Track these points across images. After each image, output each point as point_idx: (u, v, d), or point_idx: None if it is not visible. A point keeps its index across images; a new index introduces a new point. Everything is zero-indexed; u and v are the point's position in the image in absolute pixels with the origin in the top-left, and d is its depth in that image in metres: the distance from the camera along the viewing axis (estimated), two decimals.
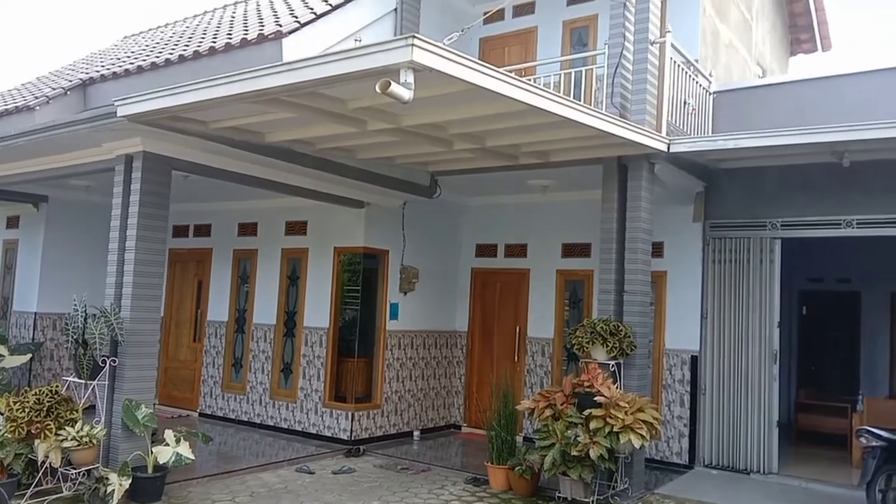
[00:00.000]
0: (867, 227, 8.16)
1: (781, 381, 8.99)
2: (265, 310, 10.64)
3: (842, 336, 12.32)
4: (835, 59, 12.91)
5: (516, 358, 10.44)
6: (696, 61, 8.94)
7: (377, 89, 4.32)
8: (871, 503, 6.59)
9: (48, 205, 11.09)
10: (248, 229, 11.04)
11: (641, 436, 6.69)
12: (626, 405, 6.83)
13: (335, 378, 9.83)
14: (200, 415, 11.06)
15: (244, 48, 8.39)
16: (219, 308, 11.23)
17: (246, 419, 10.53)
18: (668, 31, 7.92)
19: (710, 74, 9.31)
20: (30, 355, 10.38)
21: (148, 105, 5.94)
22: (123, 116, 6.16)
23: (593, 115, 6.34)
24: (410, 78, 4.38)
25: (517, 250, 10.64)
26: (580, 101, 7.89)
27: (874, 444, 6.68)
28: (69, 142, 7.36)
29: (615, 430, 6.69)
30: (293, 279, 10.45)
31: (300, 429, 9.91)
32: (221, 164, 7.62)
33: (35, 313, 11.00)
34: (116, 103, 6.19)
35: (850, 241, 9.34)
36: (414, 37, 4.27)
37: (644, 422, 6.78)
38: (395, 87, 4.29)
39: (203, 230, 11.64)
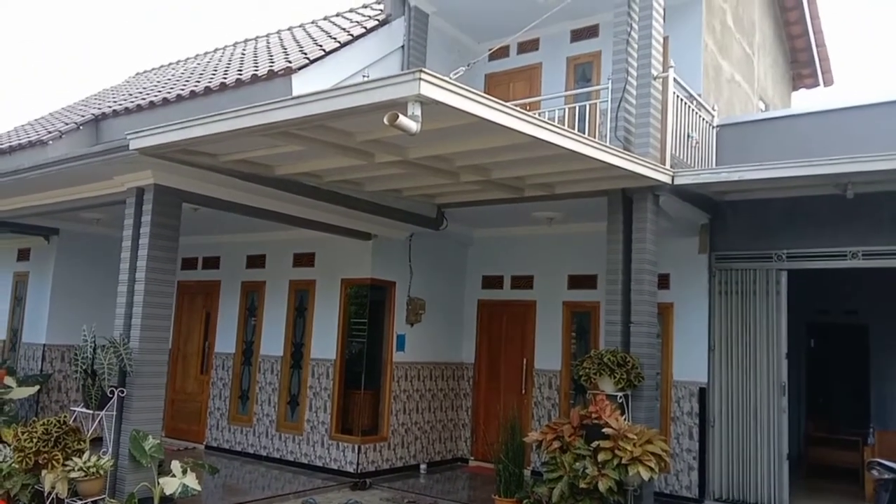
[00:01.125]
0: (873, 259, 8.17)
1: (791, 415, 8.92)
2: (272, 341, 10.67)
3: (851, 369, 12.24)
4: (837, 93, 13.04)
5: (523, 390, 10.40)
6: (699, 95, 9.06)
7: (385, 121, 4.42)
8: None
9: (59, 237, 11.21)
10: (256, 261, 11.12)
11: (650, 468, 6.64)
12: (635, 437, 6.79)
13: (342, 410, 9.81)
14: (207, 447, 11.02)
15: (254, 84, 8.56)
16: (226, 340, 11.26)
17: (252, 451, 10.48)
18: (671, 66, 8.05)
19: (714, 108, 9.42)
20: (37, 387, 10.42)
21: (159, 138, 6.06)
22: (135, 149, 6.28)
23: (598, 148, 6.43)
24: (418, 111, 4.48)
25: (523, 282, 10.67)
26: (585, 134, 8.00)
27: (886, 476, 6.60)
28: (81, 175, 7.48)
29: (624, 462, 6.65)
30: (300, 311, 10.49)
31: (306, 461, 9.86)
32: (231, 197, 7.73)
33: (44, 345, 11.05)
34: (129, 136, 6.32)
35: (856, 273, 9.37)
36: (421, 71, 4.37)
37: (653, 454, 6.74)
38: (402, 120, 4.39)
39: (212, 262, 11.73)
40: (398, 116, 4.36)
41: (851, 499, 9.08)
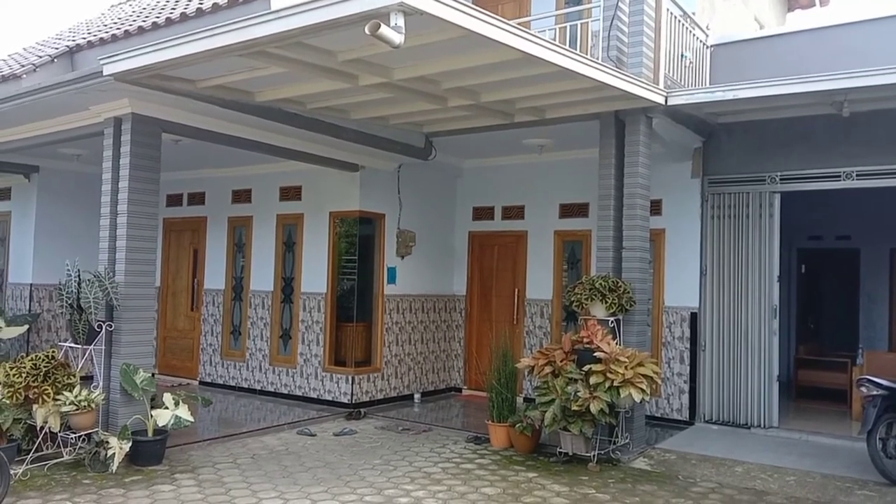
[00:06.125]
0: (867, 179, 8.07)
1: (781, 339, 8.97)
2: (262, 277, 10.58)
3: (841, 293, 12.31)
4: (832, 14, 12.71)
5: (515, 320, 10.41)
6: (693, 14, 8.78)
7: (366, 31, 4.21)
8: (871, 451, 6.59)
9: (39, 175, 10.95)
10: (242, 196, 10.94)
11: (642, 390, 6.67)
12: (626, 360, 6.80)
13: (334, 343, 9.80)
14: (201, 383, 11.05)
15: (232, 7, 8.26)
16: (215, 276, 11.17)
17: (246, 386, 10.53)
18: None
19: (707, 28, 9.16)
20: (27, 326, 10.36)
21: (134, 62, 5.81)
22: (110, 75, 6.03)
23: (590, 66, 6.22)
24: (401, 21, 4.27)
25: (514, 212, 10.56)
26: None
27: (875, 392, 6.68)
28: (57, 105, 7.24)
29: (615, 384, 6.67)
30: (289, 245, 10.37)
31: (301, 394, 9.91)
32: (212, 126, 7.52)
33: (31, 285, 10.93)
34: (102, 62, 6.06)
35: (849, 197, 9.30)
36: None
37: (644, 376, 6.76)
38: (385, 30, 4.18)
39: (197, 198, 11.54)
40: (380, 26, 4.16)
41: (840, 418, 9.23)
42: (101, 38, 10.17)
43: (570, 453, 7.04)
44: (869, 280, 11.87)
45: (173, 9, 9.95)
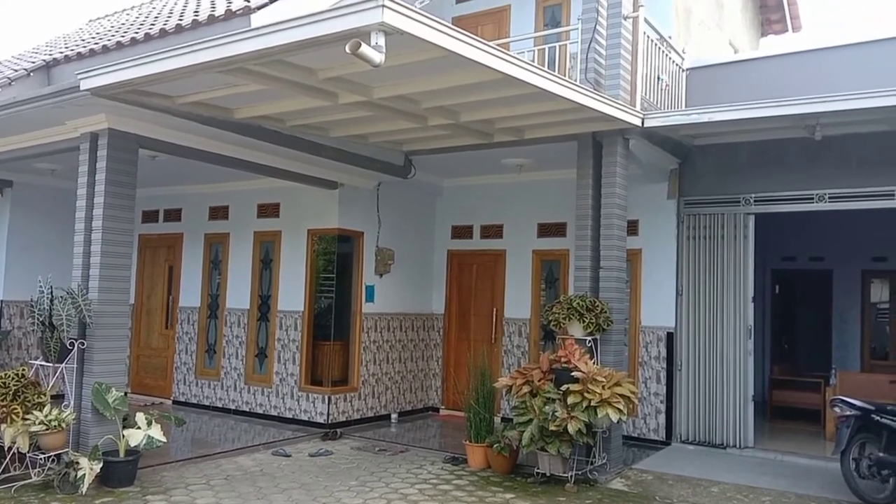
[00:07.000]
0: (839, 201, 8.22)
1: (756, 359, 9.06)
2: (238, 294, 10.48)
3: (814, 313, 12.47)
4: (805, 39, 13.00)
5: (493, 339, 10.40)
6: (670, 38, 8.93)
7: (347, 50, 4.22)
8: (845, 471, 6.65)
9: (13, 190, 10.78)
10: (219, 213, 10.86)
11: (619, 409, 6.68)
12: (604, 380, 6.82)
13: (311, 362, 9.72)
14: (174, 402, 10.88)
15: (211, 24, 8.23)
16: (191, 294, 11.04)
17: (221, 405, 10.38)
18: (641, 6, 7.88)
19: (683, 51, 9.31)
20: None
21: (112, 77, 5.77)
22: (87, 90, 5.98)
23: (568, 87, 6.28)
24: (382, 41, 4.28)
25: (493, 231, 10.59)
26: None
27: (848, 412, 6.74)
28: (32, 120, 7.15)
29: (593, 404, 6.67)
30: (266, 262, 10.30)
31: (276, 413, 9.79)
32: (189, 143, 7.47)
33: (1, 301, 10.73)
34: (80, 76, 6.01)
35: (822, 219, 9.46)
36: None
37: (621, 396, 6.78)
38: (365, 49, 4.19)
39: (173, 215, 11.43)
40: (360, 45, 4.16)
41: (814, 438, 9.30)
42: (79, 53, 10.09)
43: (548, 474, 7.02)
44: (841, 300, 12.05)
45: (152, 25, 9.91)
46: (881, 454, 6.49)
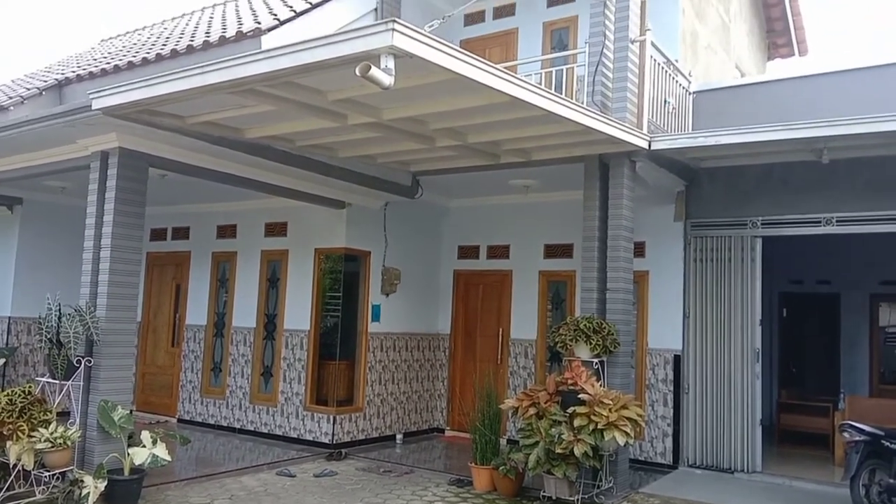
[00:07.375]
0: (847, 224, 8.20)
1: (763, 383, 8.99)
2: (245, 313, 10.50)
3: (822, 337, 12.39)
4: (811, 63, 13.07)
5: (499, 360, 10.37)
6: (676, 61, 8.97)
7: (357, 73, 4.26)
8: (854, 497, 6.58)
9: (23, 207, 10.87)
10: (226, 231, 10.91)
11: (626, 433, 6.64)
12: (611, 402, 6.78)
13: (316, 381, 9.71)
14: (179, 420, 10.87)
15: (222, 46, 8.31)
16: (197, 312, 11.06)
17: (226, 424, 10.36)
18: (648, 30, 7.94)
19: (690, 75, 9.35)
20: (3, 360, 10.17)
21: (123, 97, 5.83)
22: (98, 109, 6.05)
23: (575, 110, 6.32)
24: (391, 64, 4.33)
25: (499, 251, 10.59)
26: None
27: (857, 438, 6.68)
28: (44, 138, 7.22)
29: (599, 427, 6.63)
30: (273, 281, 10.32)
31: (281, 433, 9.76)
32: (200, 162, 7.53)
33: (9, 318, 10.76)
34: (91, 96, 6.08)
35: (830, 242, 9.42)
36: (395, 21, 4.22)
37: (628, 419, 6.74)
38: (375, 72, 4.23)
39: (181, 233, 11.49)
40: (370, 67, 4.21)
41: (822, 463, 9.21)
42: (91, 72, 10.20)
43: (554, 497, 6.96)
44: (849, 324, 11.97)
45: (164, 45, 10.02)
46: (891, 480, 6.42)
